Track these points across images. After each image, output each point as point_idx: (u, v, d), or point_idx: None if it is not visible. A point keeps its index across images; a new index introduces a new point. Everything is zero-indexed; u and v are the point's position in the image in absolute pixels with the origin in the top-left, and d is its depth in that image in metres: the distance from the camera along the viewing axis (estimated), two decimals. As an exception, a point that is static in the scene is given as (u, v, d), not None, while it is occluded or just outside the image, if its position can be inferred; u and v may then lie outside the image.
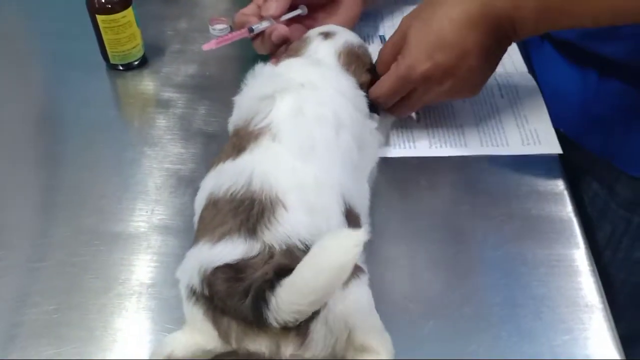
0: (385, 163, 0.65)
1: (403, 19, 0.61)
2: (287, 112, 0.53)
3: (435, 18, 0.58)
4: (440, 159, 0.65)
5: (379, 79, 0.63)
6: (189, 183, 0.62)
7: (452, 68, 0.58)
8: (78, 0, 0.71)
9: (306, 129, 0.53)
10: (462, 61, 0.58)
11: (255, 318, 0.42)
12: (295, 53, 0.63)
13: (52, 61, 0.78)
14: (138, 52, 0.73)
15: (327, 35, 0.64)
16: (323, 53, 0.62)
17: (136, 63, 0.74)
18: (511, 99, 0.71)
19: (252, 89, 0.56)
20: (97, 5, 0.67)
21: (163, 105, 0.72)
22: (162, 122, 0.70)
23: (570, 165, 0.66)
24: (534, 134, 0.67)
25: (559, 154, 0.65)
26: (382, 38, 0.82)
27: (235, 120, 0.56)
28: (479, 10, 0.56)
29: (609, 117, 0.68)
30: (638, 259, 0.71)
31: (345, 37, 0.64)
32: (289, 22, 0.70)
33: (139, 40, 0.72)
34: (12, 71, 0.78)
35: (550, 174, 0.65)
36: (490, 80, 0.72)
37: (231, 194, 0.48)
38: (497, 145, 0.67)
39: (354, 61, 0.62)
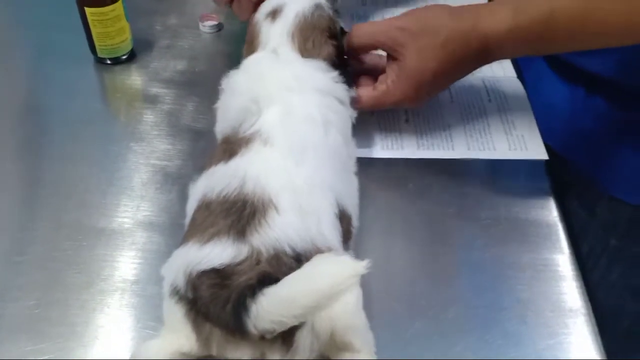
0: (373, 164, 0.65)
1: (396, 29, 0.59)
2: (275, 117, 0.53)
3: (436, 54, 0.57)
4: (428, 161, 0.66)
5: (344, 44, 0.61)
6: (175, 180, 0.62)
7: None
8: None
9: (296, 131, 0.53)
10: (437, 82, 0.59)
11: (236, 325, 0.42)
12: (252, 46, 0.60)
13: (38, 52, 0.77)
14: (126, 47, 0.72)
15: (273, 15, 0.60)
16: (276, 41, 0.58)
17: (124, 57, 0.73)
18: (499, 103, 0.72)
19: (232, 100, 0.55)
20: (85, -2, 0.67)
21: (151, 100, 0.71)
22: (149, 117, 0.69)
23: (555, 180, 0.67)
24: (521, 140, 0.68)
25: (545, 160, 0.66)
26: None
27: (221, 128, 0.56)
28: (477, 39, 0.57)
29: (594, 134, 0.69)
30: (614, 282, 0.72)
31: (294, 9, 0.59)
32: None
33: (127, 35, 0.72)
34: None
35: (536, 179, 0.65)
36: (479, 84, 0.74)
37: (224, 196, 0.47)
38: (484, 150, 0.67)
39: (310, 35, 0.59)
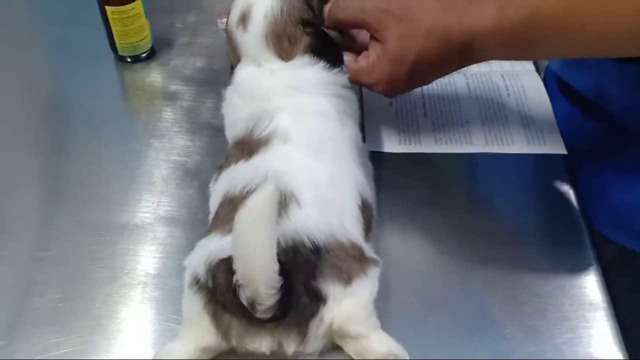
0: (390, 158, 0.65)
1: (383, 11, 0.56)
2: (289, 118, 0.53)
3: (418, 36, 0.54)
4: (446, 155, 0.66)
5: (323, 17, 0.58)
6: (195, 175, 0.63)
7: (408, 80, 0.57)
8: None
9: (312, 127, 0.53)
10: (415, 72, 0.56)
11: (249, 310, 0.42)
12: (235, 55, 0.58)
13: (60, 50, 0.78)
14: (146, 45, 0.73)
15: (243, 21, 0.56)
16: (253, 51, 0.56)
17: (144, 55, 0.74)
18: (517, 97, 0.71)
19: (237, 116, 0.56)
20: (106, -3, 0.68)
21: (170, 97, 0.72)
22: (169, 114, 0.70)
23: None
24: (539, 135, 0.67)
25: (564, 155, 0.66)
26: None
27: (233, 134, 0.56)
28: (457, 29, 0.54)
29: (589, 158, 0.67)
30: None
31: (262, 9, 0.55)
32: None
33: (147, 33, 0.73)
34: (19, 59, 0.78)
35: (556, 174, 0.65)
36: (497, 78, 0.74)
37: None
38: (502, 144, 0.66)
39: (284, 33, 0.55)
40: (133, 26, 0.70)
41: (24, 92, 0.74)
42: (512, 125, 0.68)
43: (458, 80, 0.73)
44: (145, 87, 0.75)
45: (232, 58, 0.58)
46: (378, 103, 0.71)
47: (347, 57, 0.58)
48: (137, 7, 0.69)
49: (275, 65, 0.56)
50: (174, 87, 0.73)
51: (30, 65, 0.77)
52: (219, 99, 0.70)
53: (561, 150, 0.66)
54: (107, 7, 0.68)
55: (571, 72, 0.65)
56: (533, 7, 0.52)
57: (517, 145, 0.66)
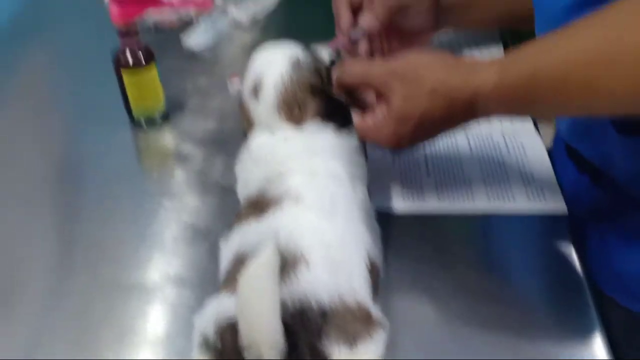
0: (396, 218, 0.66)
1: (388, 73, 0.58)
2: (302, 179, 0.55)
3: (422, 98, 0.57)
4: (451, 216, 0.67)
5: (332, 81, 0.60)
6: (205, 236, 0.64)
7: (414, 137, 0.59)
8: (105, 55, 0.75)
9: (324, 188, 0.55)
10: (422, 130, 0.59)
11: None
12: (248, 123, 0.61)
13: (78, 114, 0.82)
14: (160, 108, 0.77)
15: (255, 91, 0.60)
16: (266, 120, 0.59)
17: (158, 118, 0.78)
18: (517, 155, 0.73)
19: (253, 174, 0.58)
20: (122, 62, 0.71)
21: (182, 158, 0.75)
22: (180, 175, 0.73)
23: None
24: (540, 191, 0.69)
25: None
26: None
27: (246, 193, 0.58)
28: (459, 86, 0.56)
29: (595, 223, 0.68)
30: None
31: (273, 79, 0.59)
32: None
33: (161, 96, 0.76)
34: (39, 122, 0.82)
35: (560, 236, 0.65)
36: (498, 137, 0.76)
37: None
38: (504, 200, 0.68)
39: (294, 101, 0.59)
40: (147, 90, 0.74)
41: (41, 153, 0.77)
42: (512, 181, 0.70)
43: (460, 141, 0.75)
44: (158, 148, 0.78)
45: (245, 125, 0.61)
46: (382, 161, 0.73)
47: (355, 115, 0.61)
48: (152, 72, 0.73)
49: (288, 131, 0.59)
50: (186, 148, 0.76)
51: (48, 128, 0.81)
52: (229, 159, 0.73)
53: (561, 207, 0.67)
54: (122, 71, 0.72)
55: (578, 140, 0.67)
56: (534, 68, 0.54)
57: (518, 201, 0.68)
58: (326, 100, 0.60)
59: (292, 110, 0.59)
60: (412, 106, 0.57)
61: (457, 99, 0.56)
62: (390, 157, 0.73)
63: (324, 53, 0.64)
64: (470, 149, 0.75)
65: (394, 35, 0.76)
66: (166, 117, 0.79)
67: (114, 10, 0.96)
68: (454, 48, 0.89)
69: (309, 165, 0.57)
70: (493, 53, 0.89)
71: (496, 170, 0.72)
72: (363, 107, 0.61)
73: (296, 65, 0.59)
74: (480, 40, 0.91)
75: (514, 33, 0.90)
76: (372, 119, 0.59)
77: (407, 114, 0.57)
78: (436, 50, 0.62)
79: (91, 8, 1.00)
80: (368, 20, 0.70)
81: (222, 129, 0.78)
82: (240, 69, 0.84)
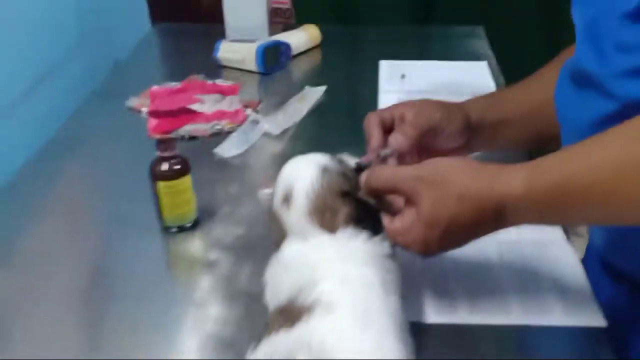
0: (429, 330, 0.65)
1: (415, 179, 0.60)
2: (333, 286, 0.55)
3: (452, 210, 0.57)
4: (486, 328, 0.65)
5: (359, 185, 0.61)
6: (229, 346, 0.63)
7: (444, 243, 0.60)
8: (139, 164, 0.78)
9: (358, 297, 0.55)
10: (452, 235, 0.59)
11: None
12: (280, 232, 0.61)
13: (110, 221, 0.84)
14: (191, 215, 0.79)
15: (286, 200, 0.61)
16: (298, 228, 0.60)
17: (189, 225, 0.79)
18: (549, 264, 0.72)
19: (284, 281, 0.58)
20: (158, 173, 0.74)
21: (210, 265, 0.75)
22: (207, 281, 0.73)
23: None
24: (576, 305, 0.67)
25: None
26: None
27: (275, 301, 0.58)
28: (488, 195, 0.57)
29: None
30: None
31: (303, 188, 0.60)
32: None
33: (193, 204, 0.78)
34: (72, 227, 0.83)
35: (598, 344, 0.63)
36: (529, 247, 0.75)
37: None
38: (539, 314, 0.66)
39: (325, 208, 0.59)
40: (181, 199, 0.76)
41: (72, 259, 0.78)
42: (547, 293, 0.68)
43: (489, 249, 0.75)
44: (187, 255, 0.79)
45: (277, 236, 0.62)
46: (411, 269, 0.72)
47: (385, 218, 0.62)
48: (186, 182, 0.75)
49: (321, 238, 0.59)
50: (214, 255, 0.77)
51: (81, 235, 0.82)
52: (256, 265, 0.73)
53: (599, 322, 0.65)
54: (159, 182, 0.74)
55: (615, 252, 0.66)
56: (563, 176, 0.55)
57: (554, 315, 0.66)
58: (357, 204, 0.61)
59: (324, 216, 0.60)
60: (441, 211, 0.58)
61: (485, 204, 0.57)
62: (420, 262, 0.73)
63: (351, 160, 0.66)
64: (502, 259, 0.74)
65: (425, 153, 0.77)
66: (197, 223, 0.80)
67: (152, 123, 1.02)
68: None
69: (341, 271, 0.56)
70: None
71: (528, 281, 0.70)
72: (393, 211, 0.62)
73: (325, 171, 0.61)
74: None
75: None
76: (402, 223, 0.60)
77: (435, 219, 0.58)
78: (462, 157, 0.63)
79: (130, 122, 1.05)
80: (399, 140, 0.72)
81: (250, 235, 0.79)
82: (271, 177, 0.88)
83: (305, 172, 0.61)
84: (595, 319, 0.65)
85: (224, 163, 0.94)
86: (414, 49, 1.35)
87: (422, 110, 0.74)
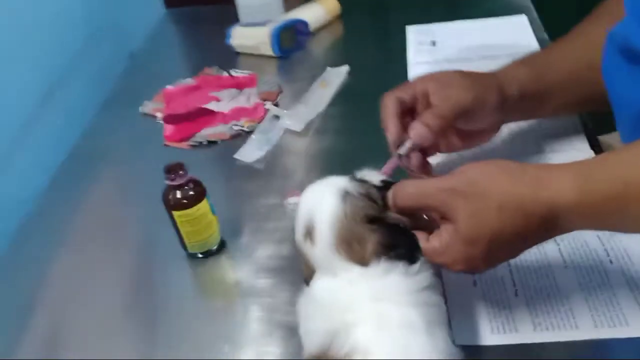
0: (484, 351, 0.57)
1: (445, 192, 0.52)
2: (370, 332, 0.48)
3: (489, 215, 0.51)
4: (550, 344, 0.58)
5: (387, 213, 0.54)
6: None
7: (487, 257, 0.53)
8: (161, 180, 0.70)
9: (398, 343, 0.48)
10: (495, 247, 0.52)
11: None
12: (308, 268, 0.55)
13: (140, 249, 0.79)
14: (215, 239, 0.73)
15: (309, 234, 0.53)
16: (326, 263, 0.53)
17: (215, 249, 0.73)
18: (622, 264, 0.63)
19: (316, 323, 0.52)
20: (172, 202, 0.68)
21: (243, 292, 0.70)
22: (241, 310, 0.67)
23: None
24: (657, 309, 0.58)
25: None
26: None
27: (306, 346, 0.52)
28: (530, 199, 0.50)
29: None
30: None
31: (325, 219, 0.53)
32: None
33: (215, 228, 0.72)
34: (108, 258, 0.78)
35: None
36: (594, 241, 0.66)
37: None
38: (615, 326, 0.58)
39: (352, 237, 0.52)
40: (200, 225, 0.69)
41: (109, 288, 0.73)
42: (621, 300, 0.60)
43: (548, 248, 0.66)
44: (217, 281, 0.73)
45: (305, 272, 0.55)
46: (461, 283, 0.64)
47: (419, 236, 0.54)
48: (202, 207, 0.69)
49: (353, 273, 0.52)
50: (245, 281, 0.71)
51: (115, 263, 0.77)
52: (293, 290, 0.67)
53: (687, 328, 0.56)
54: (174, 212, 0.68)
55: None
56: (624, 180, 0.47)
57: (632, 325, 0.57)
58: (387, 229, 0.53)
59: (352, 246, 0.52)
60: (481, 225, 0.50)
61: (530, 213, 0.50)
62: (471, 277, 0.65)
63: (375, 177, 0.58)
64: (563, 259, 0.65)
65: (453, 133, 0.69)
66: (223, 245, 0.74)
67: (168, 131, 0.95)
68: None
69: (377, 313, 0.50)
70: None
71: (598, 285, 0.61)
72: (429, 229, 0.55)
73: (347, 197, 0.53)
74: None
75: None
76: (440, 242, 0.53)
77: (476, 235, 0.51)
78: (496, 159, 0.54)
79: (147, 130, 0.98)
80: (420, 132, 0.63)
81: (281, 254, 0.72)
82: (297, 182, 0.80)
83: (325, 201, 0.54)
84: (681, 327, 0.56)
85: (246, 169, 0.87)
86: (443, 7, 1.22)
87: (449, 90, 0.65)
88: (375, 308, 0.50)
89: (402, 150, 0.64)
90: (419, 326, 0.50)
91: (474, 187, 0.51)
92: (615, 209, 0.48)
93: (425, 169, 0.68)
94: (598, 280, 0.62)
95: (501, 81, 0.68)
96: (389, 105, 0.66)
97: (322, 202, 0.54)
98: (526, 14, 1.11)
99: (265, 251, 0.74)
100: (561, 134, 0.81)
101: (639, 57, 0.54)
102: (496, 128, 0.71)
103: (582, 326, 0.58)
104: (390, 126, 0.65)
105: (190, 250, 0.72)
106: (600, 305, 0.60)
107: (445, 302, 0.61)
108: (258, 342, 0.64)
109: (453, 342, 0.56)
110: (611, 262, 0.63)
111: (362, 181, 0.56)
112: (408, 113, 0.67)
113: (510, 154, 0.79)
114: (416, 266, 0.52)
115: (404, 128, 0.65)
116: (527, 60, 0.73)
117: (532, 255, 0.66)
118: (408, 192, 0.54)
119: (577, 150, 0.78)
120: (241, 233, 0.76)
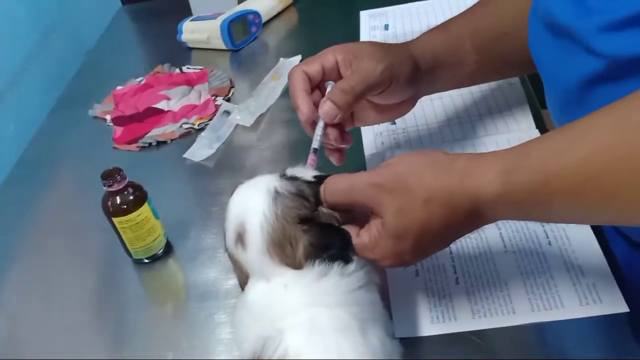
0: (423, 343, 0.58)
1: (373, 186, 0.52)
2: (301, 337, 0.48)
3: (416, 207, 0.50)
4: (488, 331, 0.58)
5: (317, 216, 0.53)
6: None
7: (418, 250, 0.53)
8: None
9: (330, 347, 0.48)
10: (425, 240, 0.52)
11: None
12: (242, 274, 0.54)
13: (85, 257, 0.78)
14: (160, 243, 0.72)
15: (240, 239, 0.52)
16: (259, 268, 0.52)
17: (160, 253, 0.73)
18: (561, 246, 0.63)
19: (250, 330, 0.51)
20: (111, 209, 0.67)
21: (190, 295, 0.69)
22: (188, 314, 0.67)
23: None
24: (593, 290, 0.58)
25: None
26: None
27: (241, 355, 0.52)
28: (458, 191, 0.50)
29: None
30: None
31: (256, 222, 0.51)
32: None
33: (159, 232, 0.71)
34: (47, 266, 0.77)
35: (622, 340, 0.55)
36: (534, 224, 0.66)
37: None
38: (551, 309, 0.58)
39: (284, 239, 0.51)
40: (142, 230, 0.69)
41: (54, 297, 0.73)
42: (558, 282, 0.60)
43: (490, 233, 0.66)
44: (164, 286, 0.73)
45: (239, 277, 0.55)
46: (403, 274, 0.64)
47: (351, 231, 0.54)
48: (144, 212, 0.68)
49: (286, 276, 0.51)
50: (192, 279, 0.71)
51: (61, 270, 0.76)
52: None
53: (621, 307, 0.56)
54: (114, 219, 0.68)
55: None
56: (545, 175, 0.46)
57: (568, 308, 0.58)
58: (318, 228, 0.52)
59: (284, 249, 0.51)
60: (408, 220, 0.50)
61: (457, 206, 0.49)
62: (413, 267, 0.65)
63: (306, 172, 0.57)
64: (504, 242, 0.65)
65: (369, 106, 0.67)
66: (169, 248, 0.74)
67: (117, 133, 0.94)
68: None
69: (310, 318, 0.49)
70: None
71: (537, 268, 0.62)
72: (358, 220, 0.55)
73: (277, 198, 0.52)
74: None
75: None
76: (369, 237, 0.52)
77: (403, 229, 0.50)
78: (427, 150, 0.53)
79: (96, 133, 0.98)
80: (327, 111, 0.61)
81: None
82: (247, 180, 0.80)
83: (255, 203, 0.52)
84: (616, 306, 0.57)
85: (196, 168, 0.87)
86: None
87: (358, 62, 0.62)
88: (307, 313, 0.50)
89: (315, 143, 0.62)
90: (351, 326, 0.49)
91: (401, 182, 0.51)
92: (539, 201, 0.47)
93: (344, 140, 0.66)
94: (536, 263, 0.62)
95: (415, 52, 0.66)
96: (296, 82, 0.63)
97: (252, 204, 0.53)
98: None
99: (214, 252, 0.73)
100: (506, 113, 0.81)
101: (564, 30, 0.53)
102: (413, 100, 0.69)
103: (519, 311, 0.59)
104: (301, 104, 0.62)
105: (135, 257, 0.72)
106: (538, 288, 0.60)
107: (387, 295, 0.62)
108: (205, 347, 0.63)
109: (393, 335, 0.57)
110: (550, 244, 0.63)
111: (293, 178, 0.55)
112: (320, 86, 0.65)
113: (454, 137, 0.79)
114: (352, 266, 0.52)
115: (316, 105, 0.63)
116: (442, 28, 0.70)
117: (474, 240, 0.66)
118: (337, 188, 0.53)
119: (522, 131, 0.77)
120: (189, 234, 0.76)
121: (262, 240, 0.51)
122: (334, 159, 0.67)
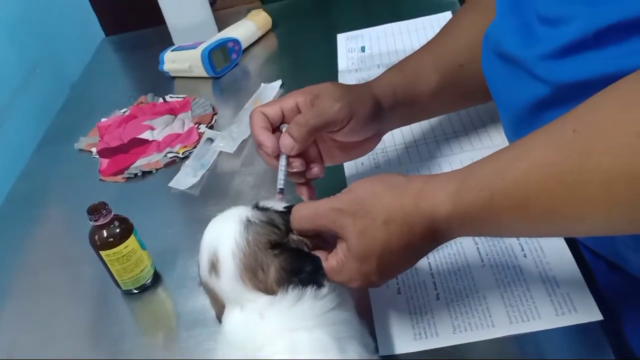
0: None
1: (334, 211, 0.54)
2: (283, 357, 0.50)
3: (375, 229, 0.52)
4: (468, 345, 0.59)
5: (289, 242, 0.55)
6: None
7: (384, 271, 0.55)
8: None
9: None
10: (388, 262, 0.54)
11: None
12: (217, 304, 0.55)
13: (75, 290, 0.79)
14: (148, 273, 0.74)
15: (214, 268, 0.54)
16: (233, 296, 0.53)
17: (149, 282, 0.74)
18: (535, 258, 0.65)
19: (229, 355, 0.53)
20: (99, 243, 0.69)
21: (180, 324, 0.71)
22: (178, 343, 0.68)
23: None
24: (568, 301, 0.60)
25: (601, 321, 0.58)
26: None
27: None
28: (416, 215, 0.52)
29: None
30: None
31: (228, 250, 0.53)
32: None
33: (147, 263, 0.73)
34: (38, 301, 0.79)
35: (597, 346, 0.57)
36: (509, 238, 0.68)
37: None
38: (528, 320, 0.60)
39: (256, 265, 0.53)
40: (130, 262, 0.70)
41: (46, 331, 0.74)
42: (534, 294, 0.62)
43: (467, 248, 0.68)
44: (153, 315, 0.74)
45: (215, 308, 0.56)
46: (385, 293, 0.66)
47: (320, 256, 0.55)
48: (130, 244, 0.70)
49: (260, 302, 0.53)
50: (180, 305, 0.72)
51: (53, 305, 0.78)
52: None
53: (596, 316, 0.58)
54: (101, 252, 0.69)
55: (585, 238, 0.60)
56: (490, 191, 0.48)
57: (544, 319, 0.60)
58: (289, 253, 0.54)
59: (257, 275, 0.53)
60: (370, 242, 0.52)
61: (414, 225, 0.52)
62: (395, 285, 0.67)
63: (277, 203, 0.59)
64: (481, 257, 0.67)
65: (333, 145, 0.69)
66: (158, 278, 0.75)
67: (102, 165, 0.96)
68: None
69: (290, 343, 0.51)
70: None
71: (514, 281, 0.64)
72: (328, 245, 0.57)
73: (249, 225, 0.54)
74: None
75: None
76: (336, 260, 0.54)
77: (366, 251, 0.52)
78: (384, 174, 0.55)
79: (83, 167, 0.99)
80: (283, 142, 0.63)
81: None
82: (230, 206, 0.81)
83: (227, 231, 0.54)
84: (590, 315, 0.59)
85: (181, 196, 0.89)
86: (376, 10, 1.23)
87: (316, 101, 0.64)
88: (287, 338, 0.51)
89: (280, 183, 0.64)
90: (330, 347, 0.51)
91: (361, 206, 0.53)
92: (488, 218, 0.49)
93: (311, 170, 0.67)
94: (513, 276, 0.64)
95: (376, 90, 0.68)
96: (255, 120, 0.65)
97: (224, 233, 0.54)
98: (452, 11, 1.13)
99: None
100: (480, 130, 0.84)
101: (512, 59, 0.55)
102: (378, 137, 0.71)
103: (498, 324, 0.60)
104: (263, 140, 0.64)
105: (124, 288, 0.73)
106: (515, 300, 0.62)
107: (370, 314, 0.64)
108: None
109: (373, 350, 0.58)
110: (525, 256, 0.66)
111: (265, 209, 0.57)
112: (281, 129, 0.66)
113: (430, 155, 0.82)
114: (324, 289, 0.53)
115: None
116: (400, 66, 0.73)
117: (452, 256, 0.68)
118: (302, 214, 0.55)
119: (496, 147, 0.79)
120: (177, 263, 0.78)
121: (235, 266, 0.53)
122: (305, 195, 0.68)
